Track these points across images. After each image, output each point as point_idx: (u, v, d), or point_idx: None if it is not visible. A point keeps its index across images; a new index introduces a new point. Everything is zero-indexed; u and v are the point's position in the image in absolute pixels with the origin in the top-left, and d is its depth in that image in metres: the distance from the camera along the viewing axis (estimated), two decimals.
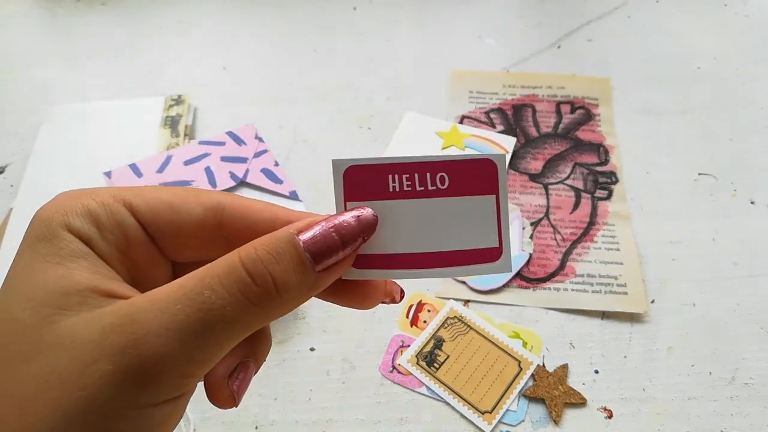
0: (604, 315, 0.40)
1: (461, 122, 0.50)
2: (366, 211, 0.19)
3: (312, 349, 0.39)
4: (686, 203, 0.45)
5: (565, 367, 0.37)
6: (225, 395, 0.19)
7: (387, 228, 0.19)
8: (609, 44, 0.56)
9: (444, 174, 0.19)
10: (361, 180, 0.19)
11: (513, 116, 0.51)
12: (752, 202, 0.45)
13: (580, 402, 0.36)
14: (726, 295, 0.40)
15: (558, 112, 0.51)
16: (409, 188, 0.19)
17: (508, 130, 0.50)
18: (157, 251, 0.20)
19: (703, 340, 0.39)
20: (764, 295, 0.40)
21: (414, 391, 0.37)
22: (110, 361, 0.16)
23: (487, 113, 0.51)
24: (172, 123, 0.49)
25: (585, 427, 0.35)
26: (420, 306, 0.40)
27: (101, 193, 0.19)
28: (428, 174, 0.19)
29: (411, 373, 0.37)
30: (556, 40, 0.56)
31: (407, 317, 0.39)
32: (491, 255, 0.19)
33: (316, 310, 0.40)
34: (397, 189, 0.19)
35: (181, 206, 0.19)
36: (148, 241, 0.20)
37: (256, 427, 0.36)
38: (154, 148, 0.47)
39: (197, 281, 0.17)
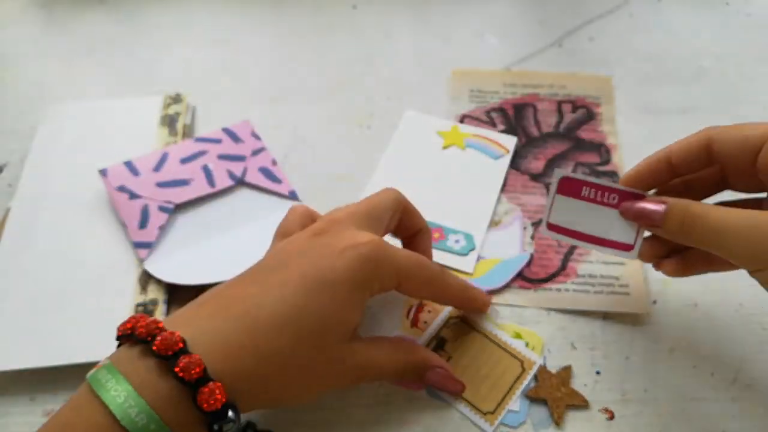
0: (606, 316, 0.40)
1: (462, 121, 0.50)
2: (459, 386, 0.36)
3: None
4: None
5: (568, 368, 0.37)
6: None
7: (577, 215, 0.35)
8: (611, 43, 0.56)
9: (615, 195, 0.34)
10: (569, 185, 0.35)
11: (514, 115, 0.50)
12: None
13: (582, 404, 0.36)
14: (728, 295, 0.40)
15: (559, 111, 0.51)
16: (594, 197, 0.34)
17: (509, 130, 0.49)
18: None
19: (705, 341, 0.38)
20: (766, 296, 0.40)
21: (409, 394, 0.36)
22: (350, 379, 0.33)
23: (487, 112, 0.51)
24: (170, 122, 0.49)
25: (586, 428, 0.35)
26: (420, 307, 0.39)
27: (392, 267, 0.32)
28: (607, 192, 0.34)
29: None
30: (558, 39, 0.56)
31: (408, 318, 0.39)
32: (627, 248, 0.34)
33: None
34: (587, 196, 0.34)
35: (404, 284, 0.34)
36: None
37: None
38: (152, 146, 0.47)
39: (401, 353, 0.35)
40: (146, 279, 0.40)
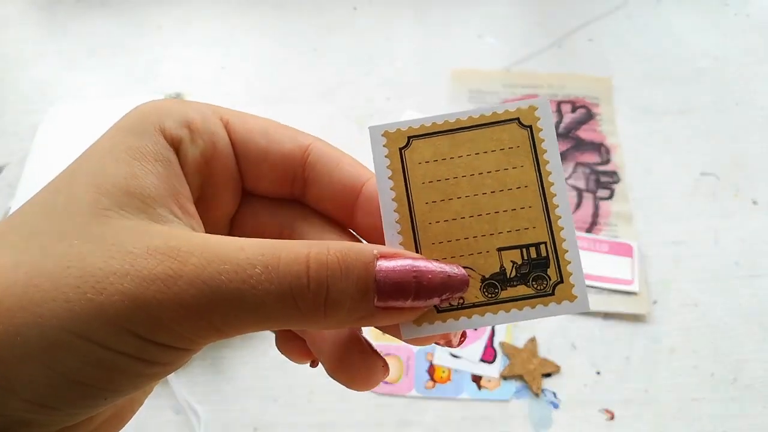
0: (606, 316, 0.40)
1: None
2: (460, 273, 0.17)
3: None
4: (688, 203, 0.45)
5: (533, 340, 0.38)
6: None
7: None
8: (610, 43, 0.56)
9: None
10: None
11: None
12: (754, 202, 0.45)
13: (555, 370, 0.37)
14: (728, 295, 0.40)
15: (559, 111, 0.51)
16: None
17: None
18: (237, 174, 0.19)
19: (705, 340, 0.38)
20: (766, 296, 0.40)
21: (406, 396, 0.36)
22: (139, 283, 0.15)
23: None
24: None
25: (586, 428, 0.35)
26: None
27: (202, 105, 0.19)
28: None
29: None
30: (557, 40, 0.56)
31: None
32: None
33: None
34: None
35: (274, 135, 0.19)
36: (232, 160, 0.19)
37: (255, 429, 0.35)
38: None
39: (256, 251, 0.15)
40: None
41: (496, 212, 0.18)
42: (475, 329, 0.16)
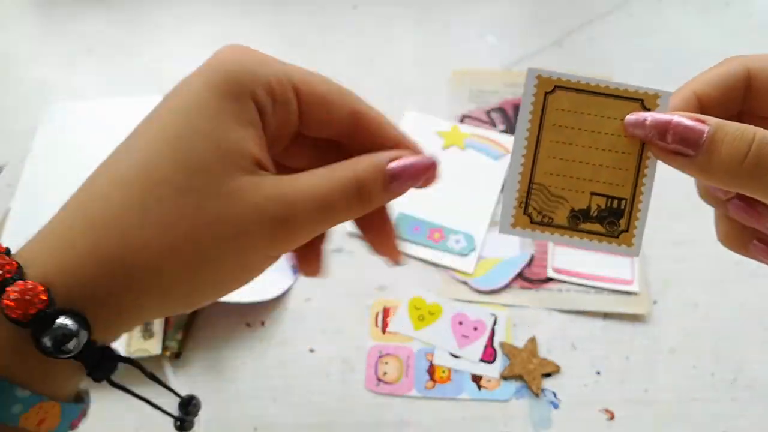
0: (606, 316, 0.40)
1: (462, 121, 0.50)
2: (431, 161, 0.26)
3: (311, 351, 0.38)
4: (688, 203, 0.45)
5: (533, 340, 0.38)
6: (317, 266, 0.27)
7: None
8: (611, 43, 0.56)
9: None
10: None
11: (514, 115, 0.50)
12: None
13: (554, 370, 0.37)
14: (729, 295, 0.40)
15: None
16: None
17: (509, 130, 0.49)
18: (296, 128, 0.24)
19: (706, 341, 0.38)
20: (766, 296, 0.40)
21: (406, 396, 0.36)
22: (266, 225, 0.21)
23: (487, 112, 0.51)
24: None
25: (586, 428, 0.35)
26: (386, 312, 0.39)
27: (277, 69, 0.23)
28: None
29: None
30: (558, 39, 0.56)
31: (377, 326, 0.39)
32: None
33: (315, 311, 0.40)
34: None
35: (333, 106, 0.24)
36: (296, 122, 0.24)
37: (255, 429, 0.35)
38: None
39: (340, 169, 0.23)
40: None
41: (600, 165, 0.23)
42: (554, 244, 0.27)
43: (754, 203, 0.23)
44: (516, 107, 0.51)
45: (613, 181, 0.24)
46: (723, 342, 0.38)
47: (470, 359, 0.38)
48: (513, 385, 0.36)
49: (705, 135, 0.21)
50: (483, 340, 0.38)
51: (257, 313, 0.40)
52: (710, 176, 0.22)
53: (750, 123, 0.22)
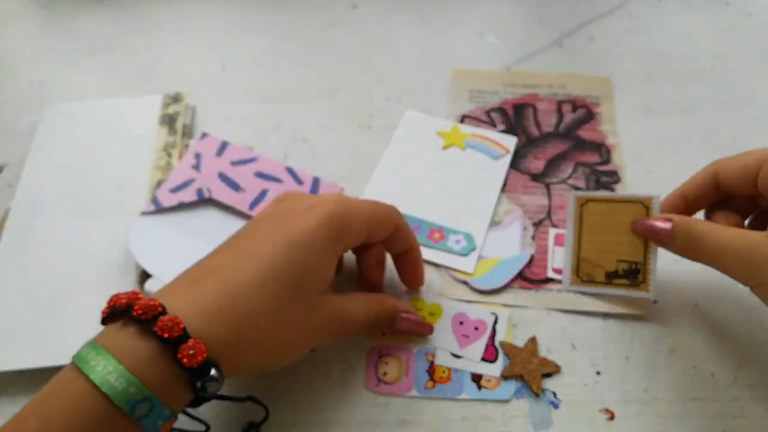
0: (606, 316, 0.40)
1: (462, 121, 0.50)
2: (428, 327, 0.39)
3: (312, 350, 0.38)
4: None
5: (533, 340, 0.38)
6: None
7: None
8: (611, 43, 0.56)
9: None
10: None
11: (514, 115, 0.50)
12: None
13: (555, 370, 0.37)
14: (729, 295, 0.40)
15: (559, 111, 0.51)
16: None
17: (509, 130, 0.49)
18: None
19: (706, 341, 0.38)
20: None
21: (406, 396, 0.36)
22: (328, 332, 0.34)
23: (487, 112, 0.51)
24: (169, 121, 0.49)
25: (586, 428, 0.35)
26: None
27: (360, 217, 0.34)
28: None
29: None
30: (558, 39, 0.56)
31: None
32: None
33: None
34: None
35: (384, 228, 0.36)
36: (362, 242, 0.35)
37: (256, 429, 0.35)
38: (152, 146, 0.47)
39: (373, 303, 0.36)
40: (146, 279, 0.40)
41: (621, 243, 0.38)
42: (594, 295, 0.40)
43: None
44: (516, 107, 0.51)
45: (630, 252, 0.38)
46: (723, 342, 0.38)
47: (472, 358, 0.38)
48: (513, 385, 0.37)
49: (669, 231, 0.35)
50: (484, 340, 0.38)
51: None
52: (679, 254, 0.36)
53: (727, 203, 0.37)
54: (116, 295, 0.29)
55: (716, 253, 0.33)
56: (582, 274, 0.39)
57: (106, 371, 0.26)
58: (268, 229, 0.32)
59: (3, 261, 0.42)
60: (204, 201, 0.44)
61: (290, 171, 0.46)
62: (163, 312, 0.27)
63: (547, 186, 0.46)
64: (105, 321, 0.29)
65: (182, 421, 0.30)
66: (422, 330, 0.38)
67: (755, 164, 0.34)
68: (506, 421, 0.36)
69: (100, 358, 0.26)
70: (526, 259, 0.42)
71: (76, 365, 0.27)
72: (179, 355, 0.26)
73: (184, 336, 0.27)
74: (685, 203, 0.37)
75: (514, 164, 0.47)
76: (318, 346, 0.36)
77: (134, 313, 0.27)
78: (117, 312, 0.28)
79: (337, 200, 0.33)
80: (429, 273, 0.41)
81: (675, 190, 0.38)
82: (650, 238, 0.36)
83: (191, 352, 0.26)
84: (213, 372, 0.27)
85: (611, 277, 0.38)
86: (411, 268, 0.39)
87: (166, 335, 0.26)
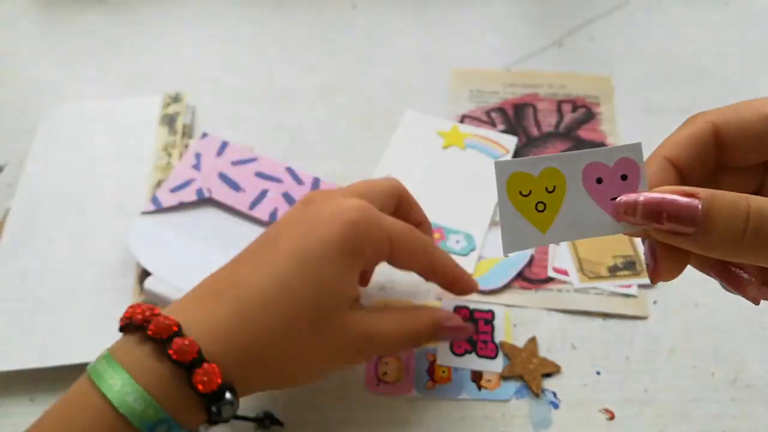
0: (606, 316, 0.40)
1: (462, 121, 0.50)
2: (470, 328, 0.38)
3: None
4: None
5: (533, 340, 0.38)
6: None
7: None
8: (611, 43, 0.56)
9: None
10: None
11: (514, 115, 0.50)
12: None
13: (555, 370, 0.37)
14: (729, 295, 0.40)
15: (559, 111, 0.51)
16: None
17: (509, 130, 0.49)
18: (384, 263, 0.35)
19: (706, 340, 0.38)
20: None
21: (406, 396, 0.36)
22: (353, 354, 0.32)
23: (487, 112, 0.51)
24: (169, 121, 0.49)
25: (586, 428, 0.35)
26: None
27: (382, 231, 0.32)
28: None
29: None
30: (558, 39, 0.56)
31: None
32: None
33: None
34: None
35: (414, 256, 0.34)
36: (385, 261, 0.34)
37: (256, 429, 0.35)
38: (152, 146, 0.47)
39: (409, 321, 0.34)
40: (145, 278, 0.40)
41: (607, 241, 0.40)
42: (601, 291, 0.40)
43: (738, 277, 0.25)
44: (516, 107, 0.51)
45: (620, 247, 0.41)
46: (723, 342, 0.38)
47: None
48: (513, 385, 0.37)
49: (699, 210, 0.20)
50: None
51: None
52: (711, 253, 0.21)
53: (723, 176, 0.24)
54: (133, 307, 0.28)
55: None
56: (587, 272, 0.40)
57: (123, 391, 0.25)
58: (290, 239, 0.30)
59: (3, 261, 0.42)
60: (204, 201, 0.44)
61: (290, 171, 0.46)
62: (179, 332, 0.27)
63: None
64: (122, 329, 0.29)
65: None
66: (466, 334, 0.37)
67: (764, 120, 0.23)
68: (506, 421, 0.36)
69: (117, 377, 0.26)
70: (526, 259, 0.42)
71: (92, 380, 0.26)
72: (194, 380, 0.26)
73: (199, 360, 0.26)
74: (679, 176, 0.24)
75: None
76: (346, 366, 0.35)
77: (149, 332, 0.27)
78: (132, 326, 0.28)
79: (362, 208, 0.31)
80: None
81: (654, 154, 0.25)
82: (655, 230, 0.22)
83: (205, 378, 0.26)
84: (228, 396, 0.27)
85: (614, 271, 0.40)
86: (450, 283, 0.37)
87: (180, 359, 0.26)
